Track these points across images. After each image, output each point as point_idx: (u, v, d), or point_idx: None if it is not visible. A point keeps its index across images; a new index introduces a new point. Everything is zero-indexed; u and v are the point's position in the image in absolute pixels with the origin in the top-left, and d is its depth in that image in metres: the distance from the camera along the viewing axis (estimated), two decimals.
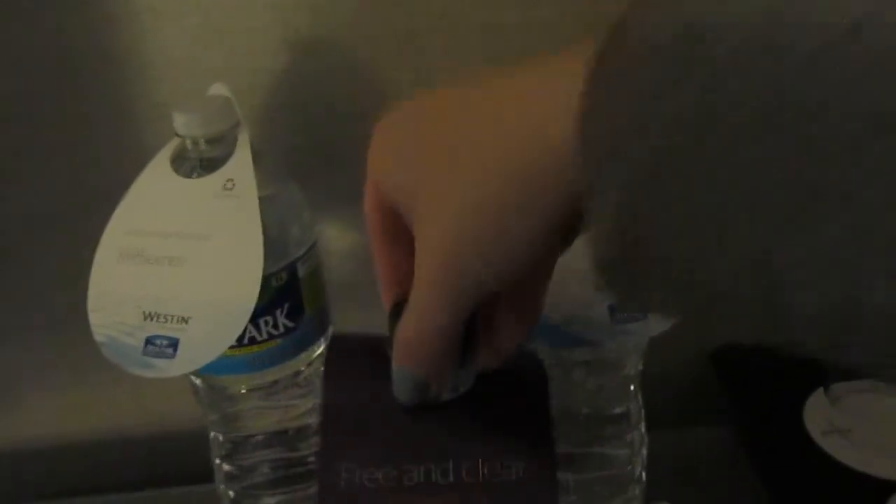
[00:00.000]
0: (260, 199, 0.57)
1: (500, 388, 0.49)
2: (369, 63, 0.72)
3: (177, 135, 0.58)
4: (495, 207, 0.38)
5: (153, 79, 0.72)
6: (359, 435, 0.50)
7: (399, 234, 0.45)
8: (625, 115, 0.32)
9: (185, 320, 0.55)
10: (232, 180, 0.56)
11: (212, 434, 0.68)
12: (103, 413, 0.85)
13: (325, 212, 0.73)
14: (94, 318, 0.58)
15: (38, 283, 0.79)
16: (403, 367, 0.45)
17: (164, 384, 0.74)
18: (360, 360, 0.50)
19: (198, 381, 0.65)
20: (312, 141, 0.74)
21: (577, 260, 0.48)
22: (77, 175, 0.74)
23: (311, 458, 0.67)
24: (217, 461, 0.68)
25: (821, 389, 0.79)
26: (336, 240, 0.77)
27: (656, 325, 0.59)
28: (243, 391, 0.64)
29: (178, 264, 0.56)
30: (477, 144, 0.39)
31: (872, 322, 0.29)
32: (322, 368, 0.52)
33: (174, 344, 0.55)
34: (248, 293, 0.55)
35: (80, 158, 0.74)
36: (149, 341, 0.56)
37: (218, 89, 0.60)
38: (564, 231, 0.38)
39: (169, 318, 0.56)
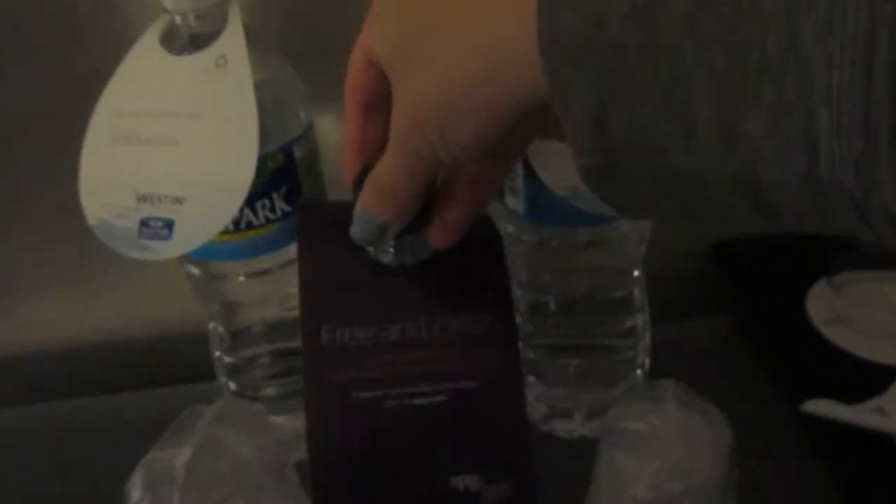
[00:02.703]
0: (254, 81, 0.55)
1: (460, 253, 0.52)
2: None
3: (165, 10, 0.57)
4: (460, 78, 0.39)
5: None
6: (338, 296, 0.54)
7: (377, 101, 0.47)
8: (586, 12, 0.33)
9: (179, 201, 0.54)
10: (224, 56, 0.55)
11: (211, 326, 0.67)
12: (102, 314, 0.84)
13: (318, 102, 0.71)
14: (86, 202, 0.57)
15: (31, 180, 0.77)
16: (366, 210, 0.48)
17: (164, 284, 0.73)
18: (331, 225, 0.52)
19: (196, 270, 0.64)
20: (305, 27, 0.72)
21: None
22: (63, 66, 0.73)
23: None
24: (217, 353, 0.68)
25: (823, 279, 0.79)
26: (329, 131, 0.76)
27: None
28: (242, 279, 0.63)
29: (171, 144, 0.55)
30: (452, 19, 0.40)
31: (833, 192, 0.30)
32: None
33: (169, 225, 0.55)
34: (243, 172, 0.54)
35: (66, 48, 0.72)
36: (144, 223, 0.55)
37: None
38: (534, 118, 0.40)
39: (163, 198, 0.55)
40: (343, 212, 0.50)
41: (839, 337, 0.74)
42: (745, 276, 0.83)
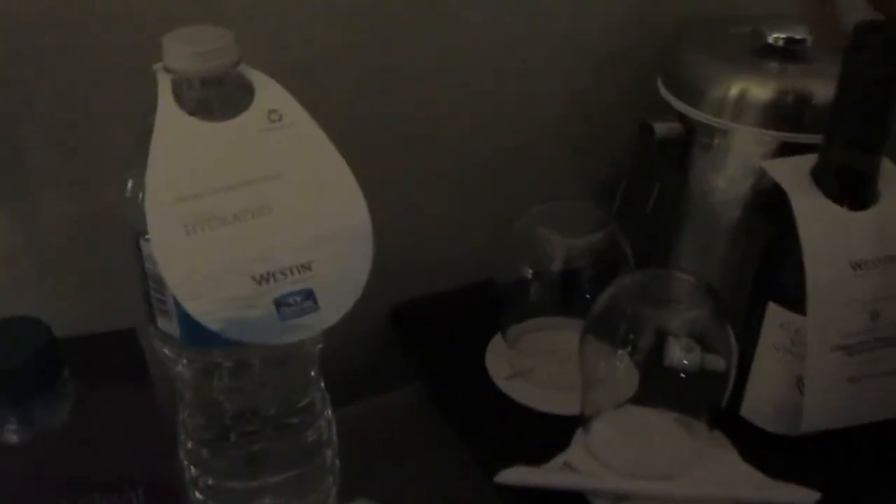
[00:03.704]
0: None
1: (101, 412, 0.50)
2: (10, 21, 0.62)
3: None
4: None
5: None
6: None
7: None
8: None
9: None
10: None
11: None
12: None
13: None
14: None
15: None
16: None
17: None
18: None
19: None
20: None
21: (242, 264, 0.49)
22: None
23: None
24: None
25: (499, 335, 0.79)
26: None
27: (329, 314, 0.53)
28: None
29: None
30: None
31: None
32: None
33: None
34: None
35: None
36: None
37: None
38: None
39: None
40: None
41: (520, 393, 0.75)
42: (427, 341, 0.82)
